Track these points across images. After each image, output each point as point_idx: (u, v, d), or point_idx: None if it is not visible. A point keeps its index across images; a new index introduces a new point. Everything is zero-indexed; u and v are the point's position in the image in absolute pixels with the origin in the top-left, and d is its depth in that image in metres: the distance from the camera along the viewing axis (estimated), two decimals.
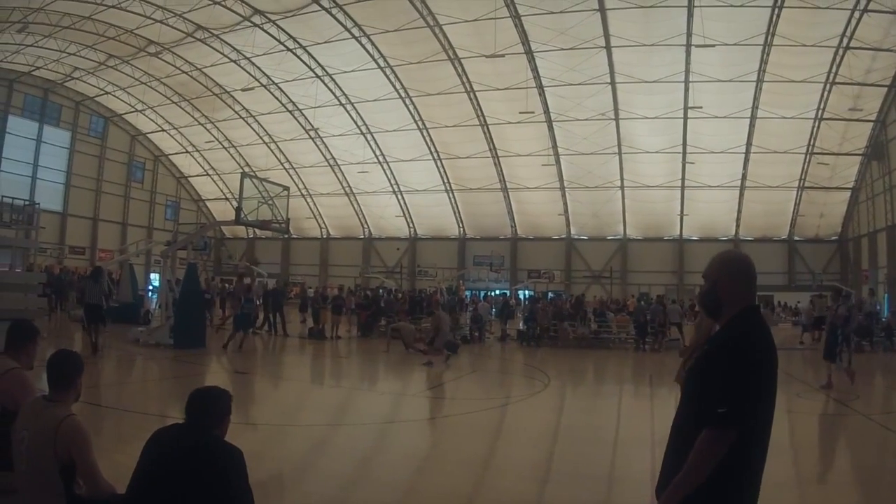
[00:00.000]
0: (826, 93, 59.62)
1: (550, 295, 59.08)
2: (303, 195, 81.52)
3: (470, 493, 10.43)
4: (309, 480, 10.79)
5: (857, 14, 50.99)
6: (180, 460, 5.12)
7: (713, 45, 52.83)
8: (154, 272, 62.44)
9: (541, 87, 62.47)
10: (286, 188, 35.37)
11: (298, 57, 63.53)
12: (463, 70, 62.22)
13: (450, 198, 78.27)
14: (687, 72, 58.36)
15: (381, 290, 55.08)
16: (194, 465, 5.10)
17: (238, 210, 29.89)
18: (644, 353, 34.57)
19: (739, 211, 72.63)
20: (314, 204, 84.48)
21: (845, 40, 53.87)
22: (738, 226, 74.14)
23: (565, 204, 75.22)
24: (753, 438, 3.99)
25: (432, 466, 12.19)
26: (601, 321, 39.08)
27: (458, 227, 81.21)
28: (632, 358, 33.14)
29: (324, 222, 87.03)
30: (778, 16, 52.27)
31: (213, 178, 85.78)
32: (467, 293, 61.09)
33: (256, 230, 66.35)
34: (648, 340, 36.25)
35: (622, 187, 72.08)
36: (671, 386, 22.77)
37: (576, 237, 78.09)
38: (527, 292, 67.49)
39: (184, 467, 5.08)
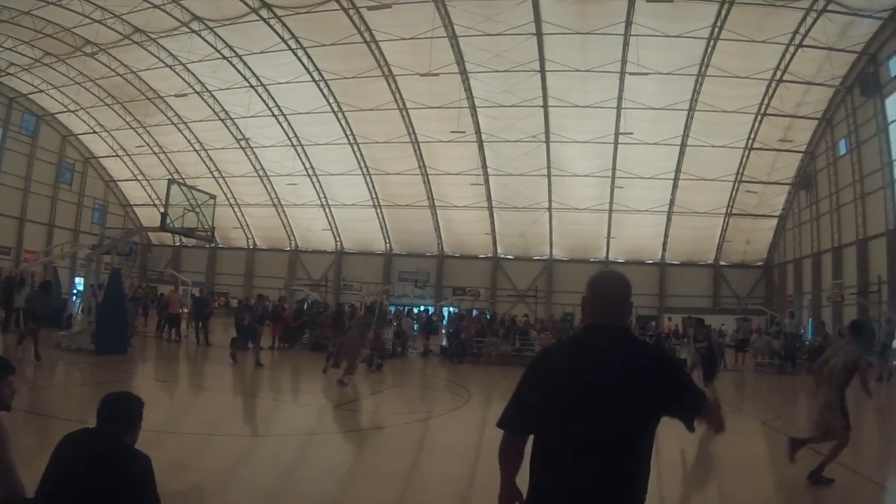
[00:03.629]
0: (757, 123, 61.27)
1: (475, 312, 59.24)
2: (231, 205, 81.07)
3: None
4: (231, 492, 10.68)
5: (791, 49, 52.68)
6: (88, 465, 5.09)
7: (647, 74, 53.59)
8: (79, 276, 61.74)
9: (473, 108, 62.87)
10: (213, 196, 35.18)
11: (234, 66, 63.16)
12: (397, 87, 62.26)
13: (378, 213, 78.10)
14: (620, 98, 59.05)
15: (306, 303, 54.75)
16: (101, 470, 5.08)
17: (164, 216, 29.66)
18: None
19: (666, 235, 73.55)
20: (242, 214, 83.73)
21: (778, 73, 55.45)
22: (664, 250, 75.10)
23: (493, 223, 75.55)
24: (548, 439, 4.23)
25: (354, 480, 12.12)
26: (524, 339, 39.34)
27: (385, 242, 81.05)
28: None
29: (251, 233, 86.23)
30: (713, 48, 53.54)
31: (141, 184, 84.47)
32: (392, 308, 61.08)
33: (183, 238, 65.92)
34: None
35: (550, 209, 72.54)
36: None
37: (502, 256, 78.34)
38: (451, 309, 67.58)
39: (91, 472, 5.06)
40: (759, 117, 60.59)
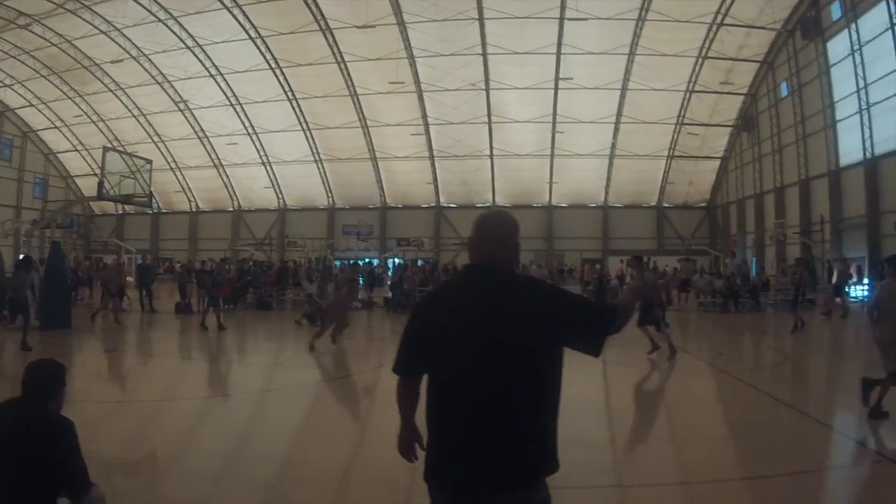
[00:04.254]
0: (698, 67, 62.07)
1: (420, 262, 59.17)
2: (172, 169, 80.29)
3: (348, 463, 10.30)
4: (189, 458, 10.51)
5: None
6: (10, 433, 5.08)
7: (586, 19, 53.65)
8: (23, 254, 61.03)
9: (412, 58, 62.67)
10: (149, 161, 34.75)
11: (169, 28, 62.21)
12: (334, 40, 61.89)
13: (319, 168, 77.86)
14: (559, 44, 59.26)
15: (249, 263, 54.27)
16: (22, 437, 5.08)
17: (100, 185, 29.32)
18: None
19: (609, 179, 74.11)
20: (183, 177, 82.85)
21: (719, 17, 56.08)
22: (607, 193, 75.60)
23: (434, 173, 75.72)
24: (438, 380, 4.15)
25: (308, 437, 11.96)
26: None
27: (328, 197, 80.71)
28: None
29: (193, 196, 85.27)
30: None
31: (81, 154, 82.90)
32: (336, 262, 60.96)
33: (126, 206, 65.25)
34: None
35: (492, 156, 72.88)
36: None
37: (445, 205, 78.34)
38: (396, 260, 67.50)
39: (13, 440, 5.06)
40: (700, 60, 61.32)
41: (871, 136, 48.28)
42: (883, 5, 45.66)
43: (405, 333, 4.38)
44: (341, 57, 63.61)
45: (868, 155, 48.42)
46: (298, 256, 64.62)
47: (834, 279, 38.52)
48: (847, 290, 36.39)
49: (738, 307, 37.07)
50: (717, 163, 74.01)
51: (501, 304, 4.07)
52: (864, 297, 38.88)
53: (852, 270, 38.34)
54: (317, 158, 76.71)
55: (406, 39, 60.63)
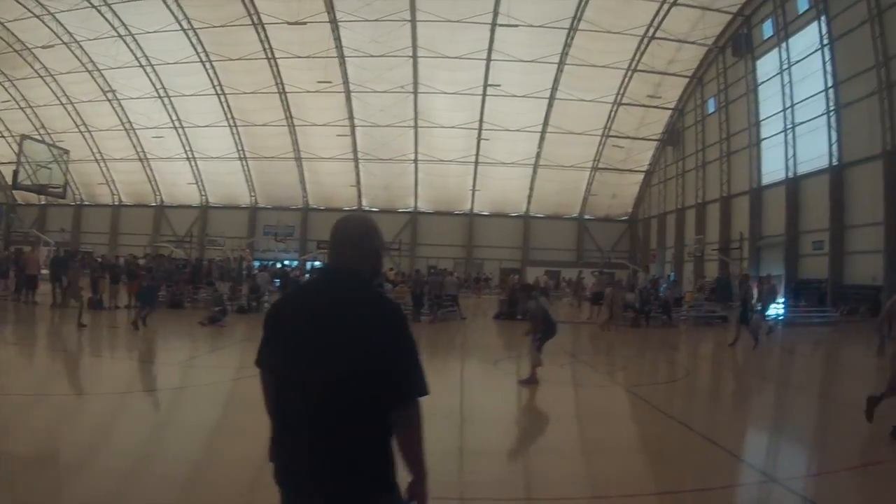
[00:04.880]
0: (627, 79, 62.69)
1: None
2: (97, 160, 79.11)
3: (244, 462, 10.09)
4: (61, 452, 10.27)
5: (665, 6, 53.92)
6: None
7: (517, 25, 53.91)
8: None
9: (342, 57, 62.46)
10: (66, 151, 34.40)
11: (102, 14, 61.12)
12: (266, 36, 61.52)
13: (243, 166, 77.39)
14: (490, 50, 59.53)
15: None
16: None
17: (15, 174, 28.95)
18: (420, 324, 34.30)
19: (532, 188, 74.60)
20: (108, 169, 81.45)
21: (651, 30, 56.73)
22: (529, 203, 76.05)
23: (358, 175, 75.68)
24: (274, 384, 4.08)
25: (216, 436, 11.76)
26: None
27: (251, 196, 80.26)
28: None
29: (117, 189, 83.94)
30: (587, 2, 54.29)
31: (7, 141, 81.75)
32: (255, 263, 60.50)
33: (47, 196, 64.43)
34: (425, 312, 36.21)
35: (416, 160, 73.08)
36: (438, 355, 22.79)
37: (367, 209, 77.80)
38: (315, 263, 67.30)
39: None
40: (629, 73, 61.96)
41: (794, 156, 49.14)
42: (814, 25, 46.72)
43: (263, 330, 4.23)
44: (272, 53, 63.27)
45: (790, 174, 49.24)
46: (218, 255, 64.07)
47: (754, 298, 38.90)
48: (768, 308, 36.49)
49: (648, 322, 37.08)
50: (640, 176, 74.91)
51: (334, 316, 3.92)
52: (777, 315, 38.95)
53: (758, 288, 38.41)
54: (242, 156, 76.24)
55: (338, 38, 60.42)
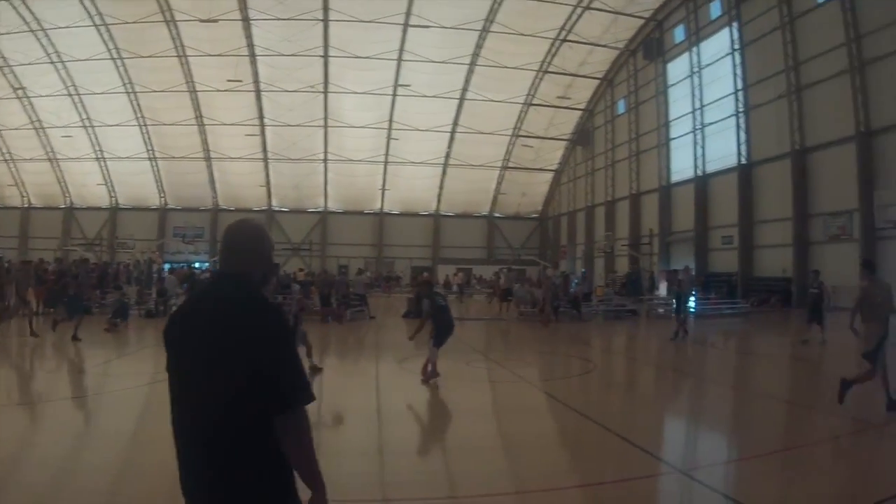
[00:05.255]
0: (538, 80, 63.70)
1: None
2: (6, 160, 77.49)
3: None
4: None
5: (578, 10, 54.96)
6: None
7: (429, 26, 54.24)
8: None
9: (253, 56, 62.23)
10: None
11: (14, 7, 59.65)
12: (177, 33, 60.82)
13: (153, 166, 76.42)
14: (401, 50, 59.90)
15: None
16: None
17: None
18: (328, 324, 33.99)
19: (441, 187, 75.37)
20: (17, 170, 79.60)
21: (563, 33, 57.71)
22: (439, 201, 76.83)
23: (267, 175, 75.59)
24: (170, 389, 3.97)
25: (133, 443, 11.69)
26: (286, 292, 38.98)
27: (160, 196, 79.33)
28: (318, 329, 31.85)
29: (26, 190, 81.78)
30: (500, 4, 55.07)
31: None
32: (165, 265, 60.00)
33: None
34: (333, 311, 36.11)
35: (326, 160, 73.23)
36: (347, 356, 23.23)
37: (276, 209, 78.07)
38: None
39: None
40: (540, 74, 62.91)
41: (703, 155, 50.31)
42: (726, 31, 48.42)
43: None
44: (183, 51, 62.58)
45: (699, 172, 50.39)
46: (128, 258, 63.34)
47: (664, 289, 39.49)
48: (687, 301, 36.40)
49: (557, 317, 37.20)
50: (550, 175, 76.26)
51: (217, 327, 3.83)
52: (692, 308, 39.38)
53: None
54: (151, 156, 75.30)
55: (249, 36, 60.17)
